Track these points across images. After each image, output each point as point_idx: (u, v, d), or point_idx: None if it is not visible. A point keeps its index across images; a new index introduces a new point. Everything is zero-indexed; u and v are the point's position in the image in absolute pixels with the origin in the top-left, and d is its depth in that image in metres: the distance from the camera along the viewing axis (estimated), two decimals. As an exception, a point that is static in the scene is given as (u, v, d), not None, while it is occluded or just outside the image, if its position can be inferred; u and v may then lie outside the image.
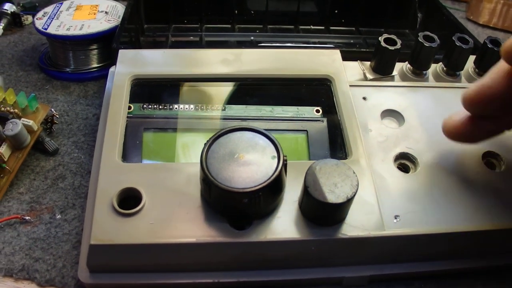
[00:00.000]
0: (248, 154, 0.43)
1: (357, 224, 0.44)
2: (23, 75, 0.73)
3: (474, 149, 0.52)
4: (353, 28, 0.83)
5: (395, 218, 0.46)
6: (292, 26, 0.82)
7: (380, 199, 0.47)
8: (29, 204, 0.53)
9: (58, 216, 0.52)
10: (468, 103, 0.45)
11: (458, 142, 0.49)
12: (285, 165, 0.42)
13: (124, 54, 0.58)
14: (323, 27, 0.82)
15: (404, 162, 0.51)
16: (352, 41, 0.80)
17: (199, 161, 0.42)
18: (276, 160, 0.42)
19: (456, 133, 0.48)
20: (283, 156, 0.42)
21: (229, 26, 0.81)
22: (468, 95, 0.45)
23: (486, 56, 0.59)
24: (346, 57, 0.60)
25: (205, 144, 0.43)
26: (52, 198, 0.54)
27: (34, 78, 0.73)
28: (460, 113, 0.47)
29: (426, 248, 0.46)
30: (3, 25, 0.82)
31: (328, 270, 0.46)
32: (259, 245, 0.44)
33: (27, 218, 0.51)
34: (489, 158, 0.52)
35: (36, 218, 0.52)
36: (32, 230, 0.50)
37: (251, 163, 0.42)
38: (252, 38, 0.78)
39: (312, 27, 0.82)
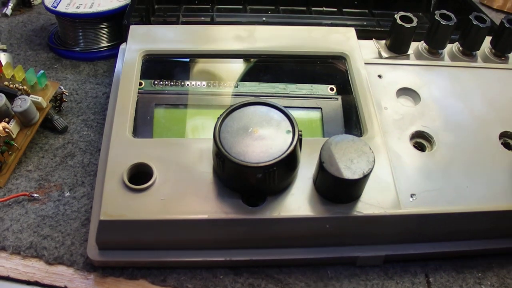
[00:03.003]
0: (262, 129, 0.42)
1: (373, 202, 0.44)
2: (32, 54, 0.72)
3: (490, 129, 0.51)
4: (366, 10, 0.82)
5: (411, 197, 0.45)
6: (305, 8, 0.81)
7: (396, 177, 0.46)
8: (38, 181, 0.52)
9: (67, 194, 0.51)
10: None
11: None
12: (300, 140, 0.41)
13: (135, 30, 0.57)
14: (335, 9, 0.81)
15: (420, 140, 0.50)
16: (365, 23, 0.78)
17: (211, 137, 0.42)
18: (291, 134, 0.41)
19: None
20: (298, 131, 0.41)
21: (240, 7, 0.80)
22: None
23: (504, 36, 0.58)
24: (360, 36, 0.59)
25: (218, 118, 0.42)
26: (61, 176, 0.53)
27: (43, 57, 0.72)
28: None
29: (443, 227, 0.45)
30: (12, 5, 0.82)
31: (342, 249, 0.45)
32: (273, 222, 0.43)
33: (35, 195, 0.51)
34: (506, 138, 0.51)
35: (45, 196, 0.51)
36: (40, 208, 0.50)
37: (265, 138, 0.41)
38: (264, 19, 0.77)
39: (324, 8, 0.81)
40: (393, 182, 0.45)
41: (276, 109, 0.43)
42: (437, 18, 0.56)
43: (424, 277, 0.46)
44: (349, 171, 0.40)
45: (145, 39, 0.56)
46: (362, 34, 0.59)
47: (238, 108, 0.43)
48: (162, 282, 0.44)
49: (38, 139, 0.57)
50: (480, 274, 0.47)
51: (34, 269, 0.45)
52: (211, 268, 0.45)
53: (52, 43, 0.73)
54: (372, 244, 0.46)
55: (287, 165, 0.41)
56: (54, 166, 0.54)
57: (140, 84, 0.52)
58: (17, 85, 0.56)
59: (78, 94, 0.64)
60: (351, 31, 0.58)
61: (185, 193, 0.43)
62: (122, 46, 0.59)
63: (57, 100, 0.60)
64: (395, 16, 0.57)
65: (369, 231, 0.44)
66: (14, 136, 0.53)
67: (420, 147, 0.49)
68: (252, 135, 0.41)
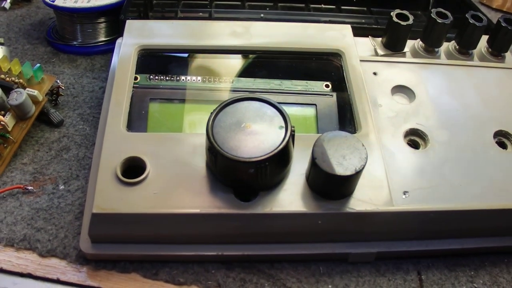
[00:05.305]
0: (255, 124, 0.42)
1: (365, 198, 0.44)
2: (30, 48, 0.72)
3: (485, 127, 0.51)
4: (365, 8, 0.82)
5: (404, 194, 0.45)
6: (303, 5, 0.81)
7: (389, 174, 0.46)
8: (33, 174, 0.52)
9: (61, 187, 0.51)
10: None
11: None
12: (292, 136, 0.42)
13: (131, 24, 0.57)
14: (334, 6, 0.81)
15: (414, 138, 0.50)
16: (363, 20, 0.78)
17: (204, 132, 0.42)
18: (283, 130, 0.41)
19: None
20: (291, 127, 0.41)
21: (239, 3, 0.80)
22: None
23: (500, 35, 0.58)
24: (358, 34, 0.59)
25: (211, 113, 0.42)
26: (55, 169, 0.53)
27: (41, 51, 0.72)
28: None
29: (435, 225, 0.46)
30: (10, -2, 0.82)
31: (334, 245, 0.45)
32: (265, 217, 0.43)
33: (30, 188, 0.51)
34: (500, 137, 0.51)
35: (39, 189, 0.51)
36: (34, 200, 0.50)
37: (258, 133, 0.41)
38: (262, 15, 0.77)
39: (323, 6, 0.81)
40: (386, 179, 0.45)
41: (269, 104, 0.43)
42: (433, 16, 0.56)
43: (416, 275, 0.46)
44: (341, 167, 0.40)
45: (141, 33, 0.56)
46: (360, 32, 0.60)
47: (231, 103, 0.43)
48: (154, 275, 0.44)
49: (34, 133, 0.57)
50: (472, 273, 0.47)
51: (27, 261, 0.45)
52: (203, 262, 0.45)
53: (50, 37, 0.73)
54: (364, 240, 0.46)
55: (279, 160, 0.41)
56: (49, 160, 0.54)
57: (136, 78, 0.52)
58: (13, 79, 0.56)
59: (74, 88, 0.64)
60: (347, 28, 0.58)
61: (178, 187, 0.43)
62: (119, 40, 0.59)
63: (54, 94, 0.60)
64: (391, 13, 0.57)
65: (361, 227, 0.45)
66: (9, 129, 0.53)
67: (414, 145, 0.49)
68: (245, 130, 0.41)
